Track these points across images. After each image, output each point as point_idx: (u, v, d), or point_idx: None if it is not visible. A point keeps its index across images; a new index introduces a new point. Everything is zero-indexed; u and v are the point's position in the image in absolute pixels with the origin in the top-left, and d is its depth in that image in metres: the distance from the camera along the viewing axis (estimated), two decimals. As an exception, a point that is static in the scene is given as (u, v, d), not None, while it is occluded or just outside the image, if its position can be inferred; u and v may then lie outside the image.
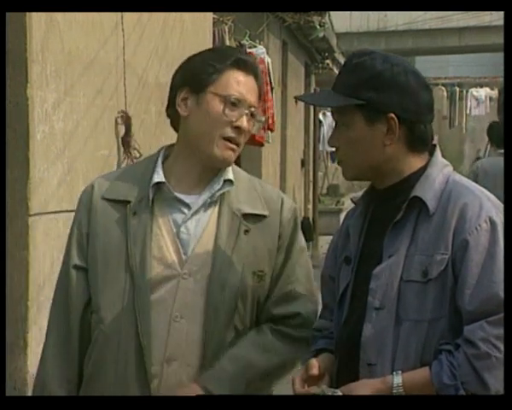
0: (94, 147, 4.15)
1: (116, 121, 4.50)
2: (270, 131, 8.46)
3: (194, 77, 2.07)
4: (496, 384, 1.78)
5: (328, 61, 13.88)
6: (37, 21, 3.45)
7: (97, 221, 2.07)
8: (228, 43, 6.86)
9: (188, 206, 2.06)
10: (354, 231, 2.02)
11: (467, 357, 1.78)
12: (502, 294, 1.79)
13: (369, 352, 1.88)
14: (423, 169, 1.94)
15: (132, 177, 2.11)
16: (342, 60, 15.10)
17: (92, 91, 4.07)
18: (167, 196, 2.07)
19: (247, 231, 2.07)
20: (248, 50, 7.54)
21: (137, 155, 4.63)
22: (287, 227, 2.14)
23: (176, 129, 2.16)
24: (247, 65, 2.09)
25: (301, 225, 2.25)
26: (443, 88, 17.33)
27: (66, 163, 3.70)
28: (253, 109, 2.08)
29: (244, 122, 2.04)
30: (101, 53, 4.22)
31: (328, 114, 15.70)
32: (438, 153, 1.99)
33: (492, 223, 1.83)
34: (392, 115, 1.90)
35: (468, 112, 17.98)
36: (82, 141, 3.96)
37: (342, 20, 18.59)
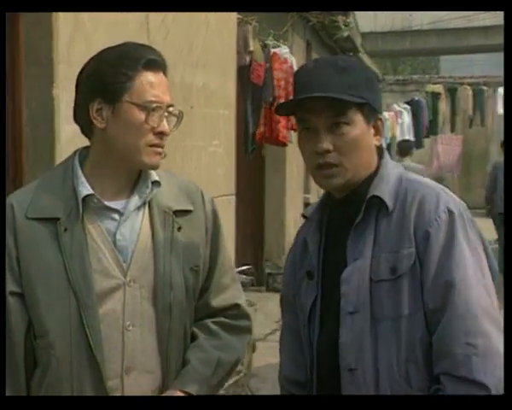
0: (119, 147, 4.16)
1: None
2: (293, 131, 8.46)
3: (105, 87, 1.96)
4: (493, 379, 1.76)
5: (352, 61, 13.83)
6: (64, 22, 3.48)
7: (26, 244, 1.96)
8: (252, 43, 6.87)
9: (118, 212, 2.01)
10: (313, 244, 2.00)
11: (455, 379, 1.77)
12: (456, 281, 1.79)
13: (349, 357, 1.87)
14: (375, 172, 1.96)
15: (52, 190, 2.01)
16: (367, 60, 15.05)
17: (117, 91, 4.09)
18: (95, 206, 1.99)
19: (179, 228, 2.04)
20: (272, 50, 7.56)
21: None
22: (211, 219, 2.12)
23: (87, 136, 2.06)
24: (157, 63, 2.01)
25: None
26: (468, 87, 17.20)
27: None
28: (170, 109, 2.02)
29: (165, 126, 1.99)
30: (126, 53, 4.23)
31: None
32: (387, 155, 2.01)
33: (451, 213, 1.85)
34: (381, 117, 1.98)
35: (499, 111, 17.81)
36: (107, 141, 3.99)
37: (367, 20, 18.51)
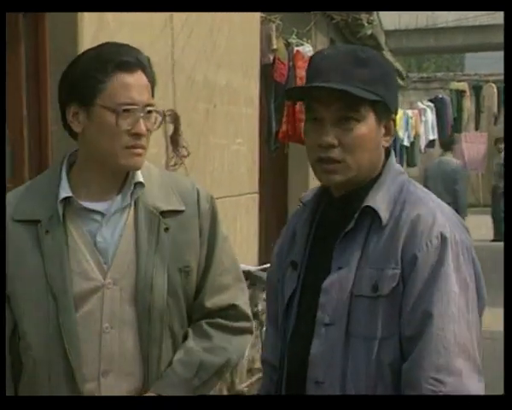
0: (143, 145, 4.19)
1: (165, 120, 4.54)
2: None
3: (78, 92, 1.95)
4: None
5: (376, 59, 13.81)
6: (89, 21, 3.51)
7: (10, 245, 1.99)
8: (275, 41, 6.88)
9: (101, 214, 1.99)
10: (301, 235, 1.91)
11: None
12: (435, 313, 1.68)
13: (317, 369, 1.77)
14: (378, 176, 1.83)
15: (38, 192, 2.02)
16: (391, 58, 15.00)
17: (141, 90, 4.12)
18: (77, 208, 1.99)
19: (167, 229, 2.01)
20: (295, 48, 7.56)
21: (185, 153, 4.68)
22: (206, 218, 2.07)
23: (74, 139, 2.07)
24: (131, 64, 1.95)
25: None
26: (493, 85, 17.08)
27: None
28: (148, 108, 1.97)
29: (141, 127, 1.95)
30: (150, 52, 4.26)
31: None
32: (392, 159, 1.88)
33: (443, 239, 1.72)
34: (394, 116, 1.84)
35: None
36: (131, 139, 4.01)
37: (391, 18, 18.43)
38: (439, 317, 1.68)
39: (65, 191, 1.99)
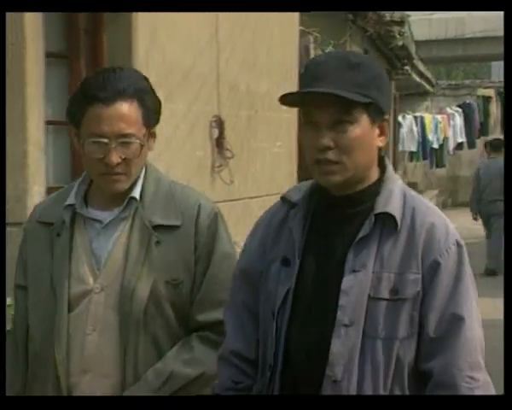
0: (190, 148, 4.28)
1: (210, 125, 4.62)
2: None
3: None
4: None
5: (407, 68, 13.74)
6: (142, 36, 3.59)
7: (31, 244, 2.06)
8: (313, 52, 6.92)
9: (101, 223, 2.01)
10: (296, 232, 1.80)
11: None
12: (465, 314, 1.68)
13: (337, 369, 1.70)
14: (379, 181, 1.79)
15: (60, 198, 2.07)
16: (421, 66, 14.91)
17: (189, 98, 4.20)
18: (84, 216, 2.02)
19: (158, 243, 1.97)
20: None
21: (230, 155, 4.75)
22: (204, 235, 2.01)
23: None
24: (105, 98, 1.89)
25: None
26: (519, 92, 16.85)
27: (165, 164, 3.84)
28: (122, 139, 1.91)
29: (112, 157, 1.90)
30: (197, 64, 4.34)
31: (408, 116, 15.52)
32: (390, 165, 1.85)
33: (459, 246, 1.72)
34: (387, 117, 1.79)
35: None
36: (180, 143, 4.10)
37: (421, 29, 18.31)
38: (467, 318, 1.69)
39: (70, 199, 2.02)
